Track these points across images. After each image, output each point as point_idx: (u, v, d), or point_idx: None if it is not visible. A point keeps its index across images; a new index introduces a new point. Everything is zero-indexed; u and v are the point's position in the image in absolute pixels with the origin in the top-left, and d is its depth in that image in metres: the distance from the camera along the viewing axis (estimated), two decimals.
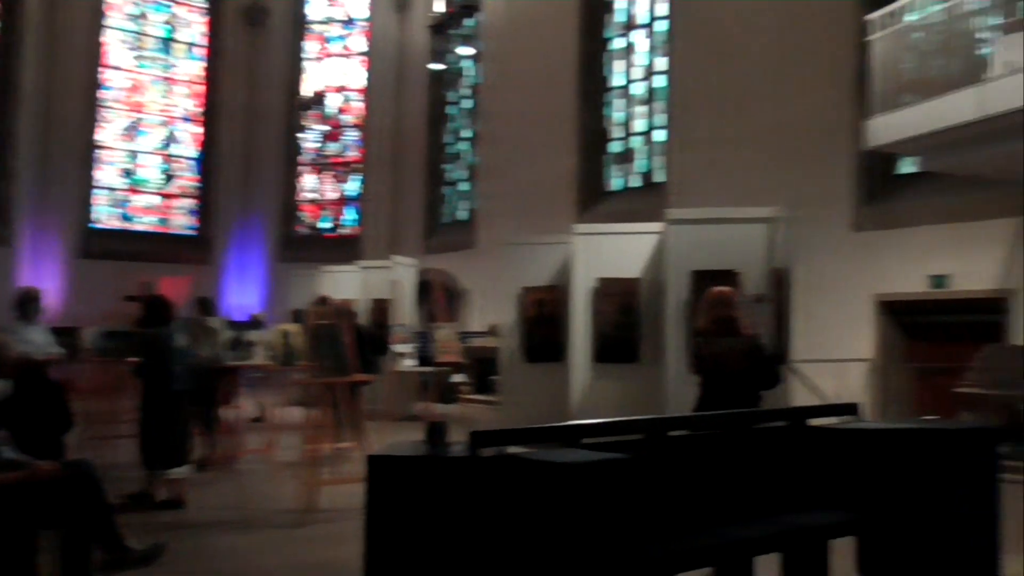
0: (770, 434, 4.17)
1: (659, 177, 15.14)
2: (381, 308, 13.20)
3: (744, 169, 12.27)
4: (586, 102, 16.40)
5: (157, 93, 22.74)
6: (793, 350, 8.61)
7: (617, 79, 16.48)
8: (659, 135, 15.37)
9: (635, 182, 16.00)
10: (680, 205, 11.51)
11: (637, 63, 16.22)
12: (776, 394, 6.13)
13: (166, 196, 22.85)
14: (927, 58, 8.62)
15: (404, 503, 3.16)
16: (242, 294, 21.25)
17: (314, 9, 23.85)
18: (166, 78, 22.91)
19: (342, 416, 7.12)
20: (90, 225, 21.31)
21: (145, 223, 22.45)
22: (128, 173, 22.29)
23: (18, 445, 4.45)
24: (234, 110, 22.72)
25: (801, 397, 8.57)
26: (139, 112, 22.41)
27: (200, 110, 23.18)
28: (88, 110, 21.18)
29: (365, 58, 22.86)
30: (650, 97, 15.84)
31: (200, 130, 23.15)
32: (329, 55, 23.67)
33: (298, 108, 23.19)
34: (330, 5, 23.82)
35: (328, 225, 23.44)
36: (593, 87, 16.48)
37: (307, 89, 23.38)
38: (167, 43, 23.04)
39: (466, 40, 20.07)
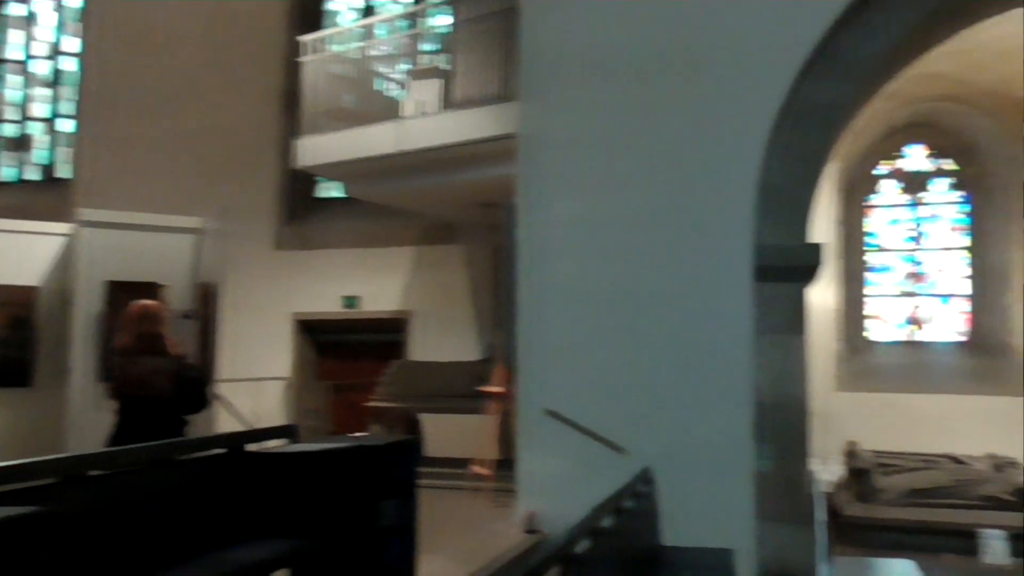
0: (206, 463, 3.89)
1: (64, 172, 13.43)
2: None
3: (169, 175, 11.60)
4: None
5: None
6: (218, 369, 8.37)
7: (13, 51, 14.19)
8: (66, 124, 13.66)
9: (33, 174, 13.93)
10: (91, 206, 10.32)
11: (41, 38, 14.21)
12: (202, 418, 5.83)
13: None
14: (349, 88, 9.32)
15: None
16: None
17: None
18: None
19: None
20: None
21: None
22: None
23: None
24: None
25: (225, 420, 8.36)
26: None
27: None
28: None
29: None
30: (56, 80, 14.01)
31: None
32: None
33: None
34: None
35: None
36: None
37: None
38: None
39: None
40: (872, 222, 11.48)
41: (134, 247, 8.07)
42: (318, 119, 8.98)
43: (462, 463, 7.47)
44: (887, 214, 11.45)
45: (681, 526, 5.04)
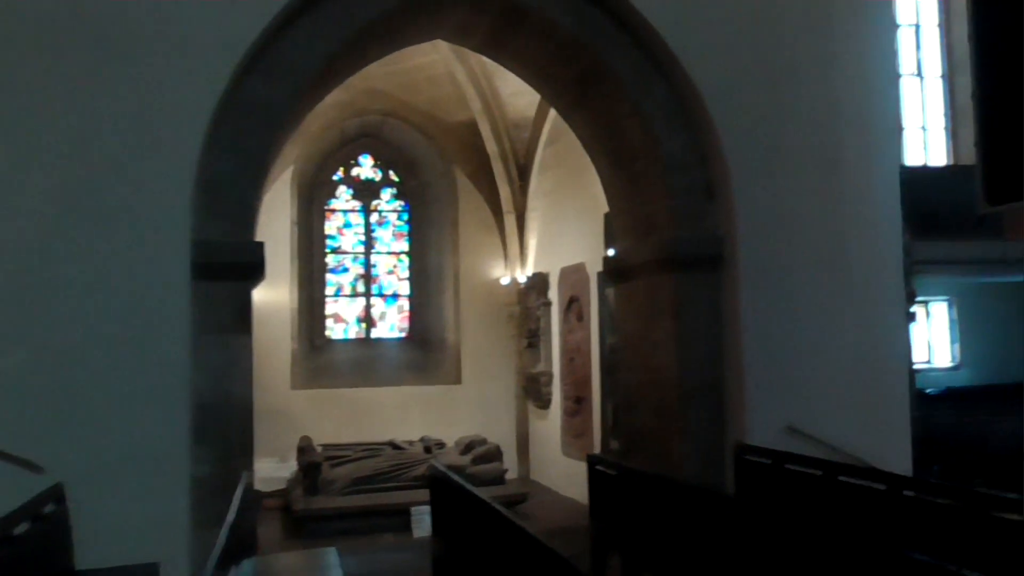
0: None
1: None
2: None
3: None
4: None
5: None
6: None
7: None
8: None
9: None
10: None
11: None
12: None
13: None
14: None
15: None
16: None
17: None
18: None
19: None
20: None
21: None
22: None
23: None
24: None
25: None
26: None
27: None
28: None
29: None
30: None
31: None
32: None
33: None
34: None
35: None
36: None
37: None
38: None
39: None
40: (331, 225, 12.16)
41: None
42: None
43: None
44: (343, 219, 12.22)
45: (108, 544, 4.65)
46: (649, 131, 6.33)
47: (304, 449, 8.64)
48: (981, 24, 3.25)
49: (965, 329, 12.11)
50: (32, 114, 4.97)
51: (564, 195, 10.29)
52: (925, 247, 8.33)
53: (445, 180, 11.93)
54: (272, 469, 9.81)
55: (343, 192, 12.21)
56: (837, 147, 6.45)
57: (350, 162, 12.21)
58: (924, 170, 10.25)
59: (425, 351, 11.92)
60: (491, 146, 11.11)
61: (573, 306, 10.03)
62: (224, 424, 5.51)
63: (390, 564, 6.80)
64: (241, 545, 4.15)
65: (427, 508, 8.15)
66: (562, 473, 10.27)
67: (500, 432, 11.11)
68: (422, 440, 9.42)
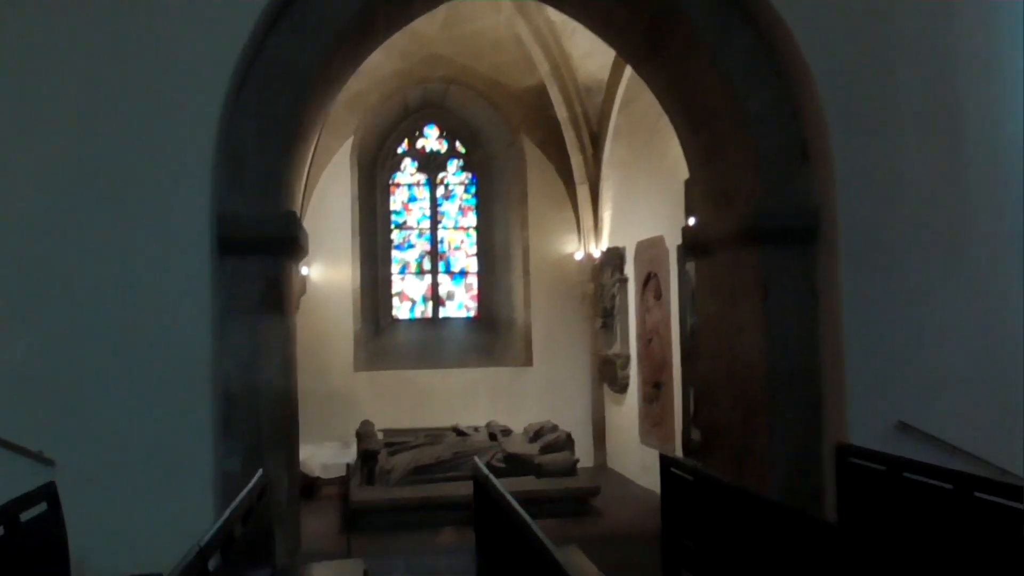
0: None
1: None
2: None
3: None
4: None
5: None
6: None
7: None
8: None
9: None
10: None
11: None
12: None
13: None
14: None
15: None
16: None
17: None
18: None
19: None
20: None
21: None
22: None
23: None
24: None
25: None
26: None
27: None
28: None
29: None
30: None
31: None
32: None
33: None
34: None
35: None
36: None
37: None
38: None
39: None
40: (395, 200, 11.70)
41: None
42: None
43: None
44: (408, 193, 11.74)
45: (119, 547, 4.27)
46: (729, 84, 5.55)
47: (363, 435, 8.22)
48: None
49: None
50: (38, 76, 4.57)
51: (641, 162, 9.52)
52: None
53: (513, 150, 11.29)
54: (333, 455, 9.43)
55: (407, 165, 11.72)
56: (957, 101, 5.50)
57: (415, 134, 11.69)
58: None
59: (494, 331, 11.38)
60: (561, 112, 10.39)
61: (651, 283, 9.29)
62: (255, 414, 5.07)
63: (437, 570, 6.28)
64: (250, 554, 3.66)
65: None
66: (640, 462, 9.60)
67: (573, 418, 10.50)
68: (488, 426, 8.88)
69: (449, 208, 11.81)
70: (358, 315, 10.77)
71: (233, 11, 4.75)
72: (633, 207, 9.78)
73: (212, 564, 2.84)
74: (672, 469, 4.61)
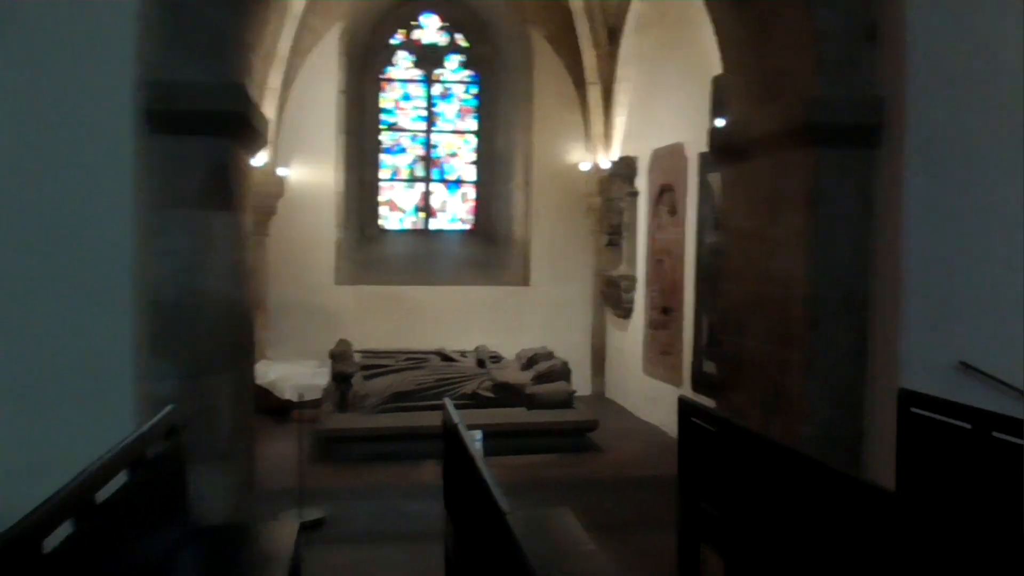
0: None
1: None
2: None
3: None
4: None
5: None
6: None
7: None
8: None
9: None
10: None
11: None
12: None
13: None
14: None
15: None
16: None
17: None
18: None
19: None
20: None
21: None
22: None
23: None
24: None
25: None
26: None
27: None
28: None
29: None
30: None
31: None
32: None
33: None
34: None
35: None
36: None
37: None
38: None
39: None
40: (386, 98, 10.70)
41: None
42: None
43: None
44: (401, 90, 10.74)
45: (24, 479, 3.51)
46: None
47: (337, 356, 7.47)
48: None
49: None
50: None
51: (662, 58, 8.52)
52: None
53: (520, 45, 10.24)
54: (308, 376, 8.72)
55: (402, 59, 10.68)
56: None
57: (411, 23, 10.62)
58: None
59: (490, 247, 10.54)
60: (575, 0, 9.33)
61: (665, 197, 8.42)
62: (193, 329, 4.27)
63: (406, 520, 5.58)
64: (147, 512, 2.92)
65: (478, 434, 6.94)
66: (642, 394, 8.90)
67: (572, 343, 9.79)
68: (476, 351, 8.13)
69: (446, 109, 10.82)
70: (342, 223, 9.91)
71: None
72: (650, 111, 8.82)
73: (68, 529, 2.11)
74: (693, 419, 3.83)
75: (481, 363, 7.72)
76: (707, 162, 7.19)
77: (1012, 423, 3.18)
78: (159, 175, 4.05)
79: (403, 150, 10.77)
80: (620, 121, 9.64)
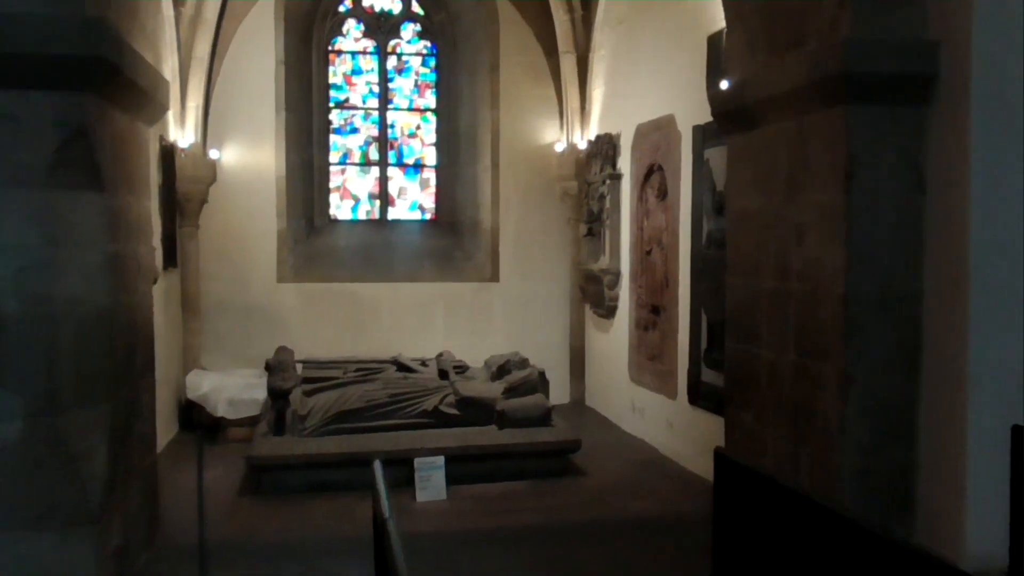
0: None
1: None
2: None
3: None
4: None
5: None
6: None
7: None
8: None
9: None
10: None
11: None
12: None
13: None
14: None
15: None
16: None
17: None
18: None
19: None
20: None
21: None
22: None
23: None
24: None
25: None
26: None
27: None
28: None
29: None
30: None
31: None
32: None
33: None
34: None
35: None
36: None
37: None
38: None
39: None
40: (335, 72, 9.70)
41: None
42: None
43: None
44: (352, 63, 9.73)
45: None
46: None
47: (274, 367, 6.46)
48: None
49: None
50: None
51: (645, 20, 7.60)
52: None
53: (483, 11, 9.28)
54: (244, 388, 7.73)
55: (352, 27, 9.67)
56: None
57: None
58: None
59: (454, 238, 9.58)
60: None
61: (652, 178, 7.50)
62: (45, 349, 3.29)
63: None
64: None
65: (439, 460, 6.02)
66: (628, 404, 8.01)
67: (547, 346, 8.90)
68: (438, 360, 7.16)
69: (403, 84, 9.82)
70: (283, 211, 8.90)
71: None
72: (633, 81, 7.90)
73: None
74: (730, 475, 2.88)
75: (444, 374, 6.75)
76: (704, 135, 6.28)
77: None
78: None
79: (355, 130, 9.76)
80: (598, 94, 8.72)
